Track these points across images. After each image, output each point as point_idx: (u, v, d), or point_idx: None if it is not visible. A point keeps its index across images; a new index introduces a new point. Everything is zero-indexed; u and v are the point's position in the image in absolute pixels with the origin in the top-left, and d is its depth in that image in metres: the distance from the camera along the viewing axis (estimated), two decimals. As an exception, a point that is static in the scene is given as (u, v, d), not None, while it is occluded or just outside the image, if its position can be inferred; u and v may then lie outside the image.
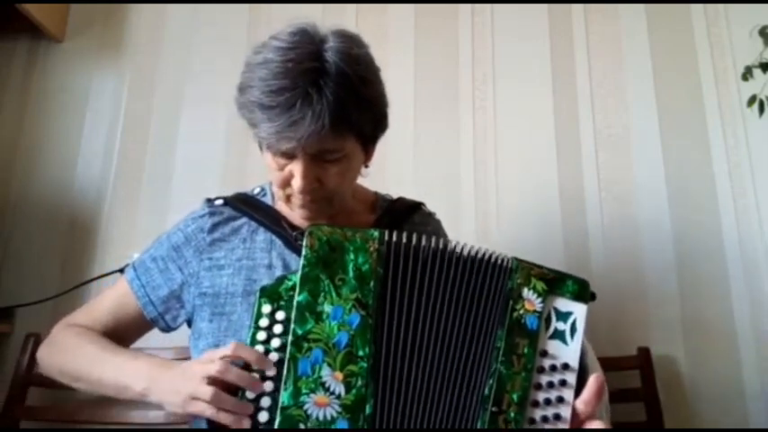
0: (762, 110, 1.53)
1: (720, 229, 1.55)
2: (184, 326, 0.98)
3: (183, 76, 1.76)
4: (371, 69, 0.88)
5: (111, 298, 0.98)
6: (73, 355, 0.90)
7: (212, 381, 0.73)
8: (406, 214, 1.04)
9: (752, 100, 1.55)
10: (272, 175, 0.89)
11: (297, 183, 0.84)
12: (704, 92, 1.64)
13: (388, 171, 1.65)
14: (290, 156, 0.84)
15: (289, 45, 0.81)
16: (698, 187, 1.58)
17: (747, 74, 1.57)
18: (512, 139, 1.67)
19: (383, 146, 1.76)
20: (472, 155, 1.66)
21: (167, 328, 0.97)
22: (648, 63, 1.68)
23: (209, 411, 0.72)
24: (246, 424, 0.71)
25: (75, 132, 1.74)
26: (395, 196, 1.09)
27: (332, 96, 0.79)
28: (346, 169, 0.88)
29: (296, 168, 0.84)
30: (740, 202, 1.56)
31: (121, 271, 1.03)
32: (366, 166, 0.96)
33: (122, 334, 0.96)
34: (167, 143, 1.71)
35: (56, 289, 1.58)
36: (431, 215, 1.09)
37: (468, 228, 1.60)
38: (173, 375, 0.78)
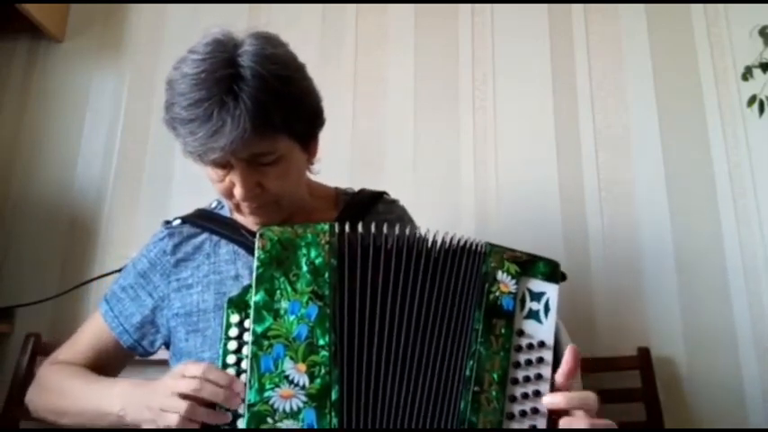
0: (762, 110, 1.53)
1: (720, 230, 1.54)
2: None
3: (182, 76, 1.76)
4: (291, 67, 0.85)
5: (90, 332, 0.99)
6: (55, 392, 0.92)
7: (185, 396, 0.73)
8: (368, 205, 1.04)
9: (752, 100, 1.54)
10: (215, 186, 0.89)
11: (238, 191, 0.84)
12: (704, 92, 1.64)
13: (388, 171, 1.65)
14: (224, 165, 0.83)
15: (203, 56, 0.81)
16: (698, 187, 1.58)
17: (747, 74, 1.57)
18: (512, 139, 1.67)
19: (384, 145, 1.76)
20: (472, 155, 1.66)
21: (146, 353, 0.98)
22: (648, 63, 1.68)
23: (180, 424, 0.72)
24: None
25: (75, 132, 1.74)
26: (365, 190, 1.08)
27: (249, 100, 0.77)
28: (286, 170, 0.86)
29: (234, 177, 0.84)
30: (740, 202, 1.55)
31: (121, 271, 1.03)
32: (311, 163, 0.96)
33: (105, 366, 0.96)
34: (167, 143, 1.71)
35: (56, 289, 1.58)
36: (394, 202, 1.09)
37: (468, 227, 1.60)
38: (143, 393, 0.79)
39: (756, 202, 1.55)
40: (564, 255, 1.57)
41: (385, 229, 0.80)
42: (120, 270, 1.03)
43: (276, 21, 1.73)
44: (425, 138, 1.68)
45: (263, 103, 0.78)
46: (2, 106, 1.77)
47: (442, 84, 1.72)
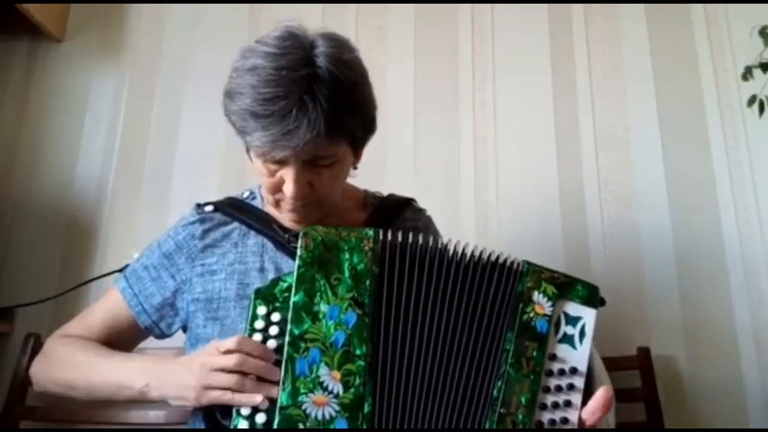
0: (762, 110, 1.53)
1: (720, 229, 1.54)
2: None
3: (182, 76, 1.76)
4: (361, 73, 0.87)
5: (104, 308, 0.98)
6: (67, 363, 0.90)
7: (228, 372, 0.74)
8: (396, 211, 1.04)
9: (752, 100, 1.54)
10: (262, 180, 0.89)
11: (289, 188, 0.84)
12: (704, 92, 1.64)
13: (389, 171, 1.65)
14: (281, 162, 0.83)
15: (279, 51, 0.80)
16: (698, 187, 1.58)
17: (747, 74, 1.56)
18: (512, 139, 1.67)
19: (384, 145, 1.76)
20: (472, 155, 1.66)
21: (162, 336, 0.97)
22: (648, 63, 1.68)
23: (226, 397, 0.73)
24: (259, 399, 0.72)
25: (75, 132, 1.74)
26: (385, 194, 1.09)
27: (326, 103, 0.78)
28: (338, 173, 0.88)
29: (287, 174, 0.84)
30: (740, 202, 1.55)
31: (121, 271, 1.03)
32: (355, 168, 0.96)
33: (116, 344, 0.95)
34: (167, 143, 1.71)
35: (56, 289, 1.58)
36: (421, 211, 1.09)
37: (468, 228, 1.60)
38: (176, 370, 0.78)
39: (756, 201, 1.55)
40: (564, 254, 1.57)
41: (420, 240, 0.80)
42: (121, 270, 1.03)
43: (276, 21, 1.73)
44: (425, 138, 1.68)
45: (336, 107, 0.79)
46: (2, 106, 1.77)
47: (442, 84, 1.72)
